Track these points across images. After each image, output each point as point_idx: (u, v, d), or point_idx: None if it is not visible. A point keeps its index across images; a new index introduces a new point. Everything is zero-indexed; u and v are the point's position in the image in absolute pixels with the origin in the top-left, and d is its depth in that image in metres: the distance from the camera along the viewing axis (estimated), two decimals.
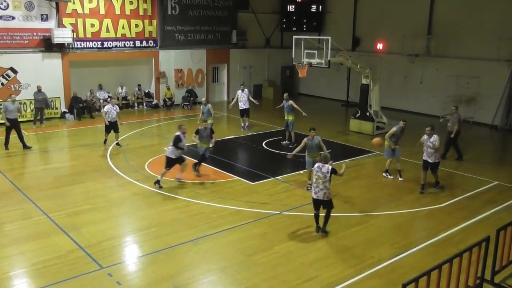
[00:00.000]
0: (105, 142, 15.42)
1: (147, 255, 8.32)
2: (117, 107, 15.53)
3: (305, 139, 11.49)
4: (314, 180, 8.90)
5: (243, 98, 17.74)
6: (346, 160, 13.94)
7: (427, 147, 11.39)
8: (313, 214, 9.20)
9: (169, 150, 11.69)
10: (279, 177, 12.57)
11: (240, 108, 17.85)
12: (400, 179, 12.56)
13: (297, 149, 11.66)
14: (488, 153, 16.08)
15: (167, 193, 11.24)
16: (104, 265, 7.83)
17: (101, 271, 7.66)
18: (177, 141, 11.45)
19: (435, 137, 11.22)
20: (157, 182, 11.58)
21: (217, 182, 12.16)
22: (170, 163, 11.58)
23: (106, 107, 15.33)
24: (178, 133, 11.68)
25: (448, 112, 20.18)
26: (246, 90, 18.19)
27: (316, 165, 8.93)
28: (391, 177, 12.71)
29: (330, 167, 8.75)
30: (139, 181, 12.09)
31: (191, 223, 9.61)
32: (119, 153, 14.66)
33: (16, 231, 9.15)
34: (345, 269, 7.83)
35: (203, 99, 15.58)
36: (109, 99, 21.58)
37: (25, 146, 15.04)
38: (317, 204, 9.00)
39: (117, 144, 15.37)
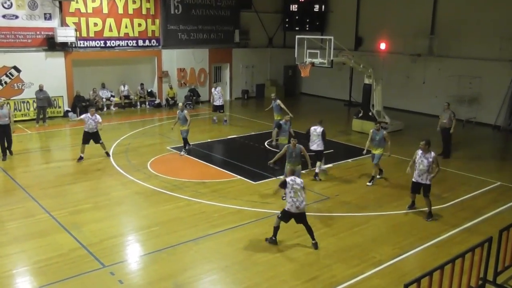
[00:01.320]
0: (79, 159, 13.63)
1: (149, 254, 8.33)
2: (98, 116, 13.76)
3: (286, 146, 10.89)
4: (292, 194, 8.33)
5: (215, 96, 18.96)
6: (330, 165, 13.96)
7: (419, 164, 9.69)
8: (309, 214, 9.02)
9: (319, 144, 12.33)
10: (281, 177, 12.51)
11: (214, 104, 19.12)
12: (368, 184, 12.08)
13: (277, 156, 11.12)
14: (490, 154, 16.03)
15: (168, 192, 11.25)
16: (106, 264, 7.85)
17: (103, 270, 7.68)
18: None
19: (432, 154, 9.62)
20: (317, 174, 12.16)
21: (219, 181, 12.16)
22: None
23: (83, 115, 13.96)
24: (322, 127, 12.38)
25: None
26: (218, 88, 19.32)
27: (289, 179, 8.47)
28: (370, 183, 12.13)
29: (302, 180, 8.64)
30: (141, 180, 12.10)
31: (192, 222, 9.62)
32: (121, 152, 14.67)
33: (18, 229, 9.18)
34: (346, 269, 7.82)
35: (180, 104, 15.35)
36: (112, 98, 21.71)
37: (9, 151, 13.89)
38: (294, 217, 8.50)
39: (107, 154, 14.07)
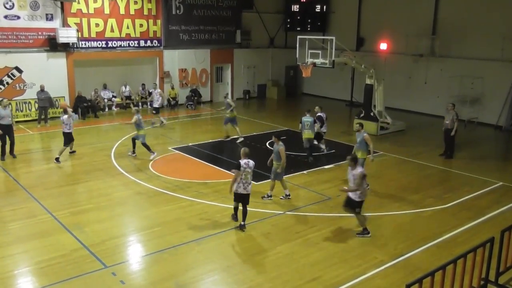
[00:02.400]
0: (57, 159, 13.64)
1: (151, 254, 8.33)
2: (75, 115, 14.50)
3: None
4: (243, 176, 9.02)
5: (154, 97, 19.22)
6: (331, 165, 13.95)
7: (349, 180, 9.16)
8: (311, 214, 9.25)
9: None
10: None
11: (153, 105, 19.43)
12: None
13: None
14: (492, 154, 16.01)
15: (170, 193, 11.26)
16: (107, 264, 7.85)
17: (104, 270, 7.68)
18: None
19: (358, 171, 8.82)
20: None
21: (220, 182, 12.16)
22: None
23: (63, 117, 13.90)
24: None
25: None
26: (157, 90, 19.59)
27: (243, 162, 9.05)
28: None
29: (253, 162, 9.23)
30: (142, 180, 12.11)
31: (194, 222, 9.62)
32: (123, 153, 14.68)
33: (20, 229, 9.19)
34: (348, 270, 7.81)
35: (134, 109, 15.15)
36: (113, 98, 21.73)
37: (11, 153, 13.99)
38: (241, 198, 9.21)
39: (72, 152, 14.37)
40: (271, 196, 10.97)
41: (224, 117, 16.84)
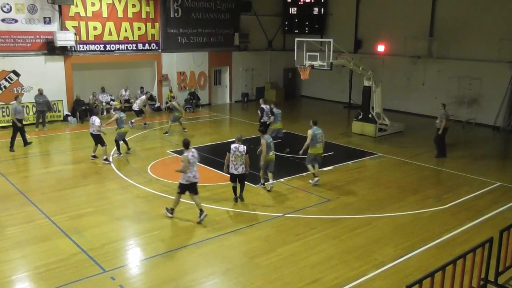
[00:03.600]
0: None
1: (150, 258, 8.31)
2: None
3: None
4: (233, 158, 10.46)
5: (137, 101, 19.49)
6: (330, 167, 13.95)
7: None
8: (310, 216, 9.34)
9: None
10: (281, 180, 12.55)
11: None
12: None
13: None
14: (491, 154, 16.02)
15: (169, 196, 11.21)
16: (106, 269, 7.82)
17: (103, 275, 7.65)
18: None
19: (184, 154, 9.52)
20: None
21: (219, 185, 12.14)
22: None
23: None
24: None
25: (450, 113, 20.19)
26: (142, 96, 19.77)
27: (234, 146, 10.47)
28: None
29: (245, 147, 10.46)
30: (141, 184, 12.09)
31: (193, 226, 9.59)
32: (122, 156, 14.65)
33: (19, 234, 9.15)
34: (348, 271, 7.80)
35: (115, 103, 15.98)
36: (111, 102, 21.71)
37: (25, 143, 15.56)
38: (235, 178, 10.70)
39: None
40: (263, 184, 11.83)
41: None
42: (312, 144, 11.92)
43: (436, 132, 14.87)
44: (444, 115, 14.65)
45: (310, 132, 11.92)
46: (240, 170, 10.51)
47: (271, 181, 11.65)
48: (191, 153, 9.56)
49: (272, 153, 11.57)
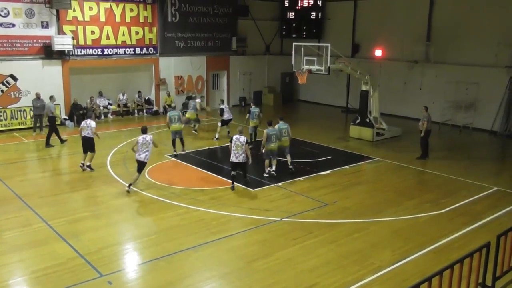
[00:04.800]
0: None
1: (147, 262, 8.29)
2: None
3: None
4: (234, 148, 11.71)
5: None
6: (328, 172, 13.94)
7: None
8: (308, 221, 9.43)
9: None
10: (279, 184, 12.56)
11: None
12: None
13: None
14: (487, 159, 16.07)
15: (167, 200, 11.22)
16: (103, 273, 7.80)
17: (100, 279, 7.63)
18: None
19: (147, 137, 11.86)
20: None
21: (217, 189, 12.14)
22: None
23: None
24: None
25: (446, 118, 20.36)
26: (194, 101, 18.94)
27: (235, 136, 11.82)
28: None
29: (245, 138, 11.82)
30: (138, 188, 12.07)
31: (191, 230, 9.58)
32: (119, 160, 14.64)
33: (16, 238, 9.12)
34: (346, 276, 7.80)
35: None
36: (109, 106, 21.71)
37: (60, 139, 16.72)
38: (236, 166, 11.89)
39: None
40: (267, 173, 13.08)
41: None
42: (267, 144, 12.91)
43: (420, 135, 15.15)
44: (426, 117, 14.91)
45: (264, 133, 12.90)
46: (241, 158, 11.74)
47: (272, 168, 13.08)
48: (142, 137, 11.69)
49: (273, 144, 12.83)
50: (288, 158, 13.41)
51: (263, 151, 13.07)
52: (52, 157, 15.66)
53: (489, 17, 19.15)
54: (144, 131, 12.01)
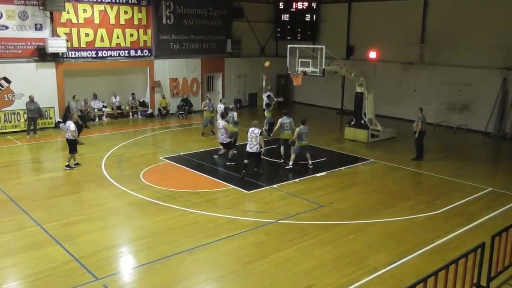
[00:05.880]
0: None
1: (143, 265, 8.25)
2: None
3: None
4: (249, 139, 12.98)
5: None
6: (323, 173, 13.97)
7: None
8: (303, 222, 9.51)
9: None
10: (274, 186, 12.56)
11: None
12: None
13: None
14: (481, 160, 16.15)
15: (162, 203, 11.18)
16: (99, 276, 7.75)
17: (96, 282, 7.58)
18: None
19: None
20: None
21: (212, 191, 12.13)
22: None
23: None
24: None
25: (441, 119, 20.45)
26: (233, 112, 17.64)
27: (250, 129, 13.05)
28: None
29: (259, 130, 13.07)
30: (134, 190, 12.02)
31: (186, 232, 9.56)
32: (114, 163, 14.59)
33: (9, 242, 9.05)
34: (342, 277, 7.80)
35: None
36: (104, 108, 21.64)
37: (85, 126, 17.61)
38: (250, 154, 13.08)
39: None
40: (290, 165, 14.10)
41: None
42: (299, 140, 13.91)
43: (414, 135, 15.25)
44: (421, 118, 14.99)
45: (296, 131, 13.92)
46: (255, 149, 12.98)
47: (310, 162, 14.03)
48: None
49: (286, 132, 14.26)
50: (293, 157, 14.04)
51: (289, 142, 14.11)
52: (47, 160, 15.58)
53: (482, 19, 19.27)
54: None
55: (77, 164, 14.06)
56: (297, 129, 13.81)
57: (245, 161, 13.10)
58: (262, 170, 13.90)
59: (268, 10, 27.10)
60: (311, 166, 14.02)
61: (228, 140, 14.53)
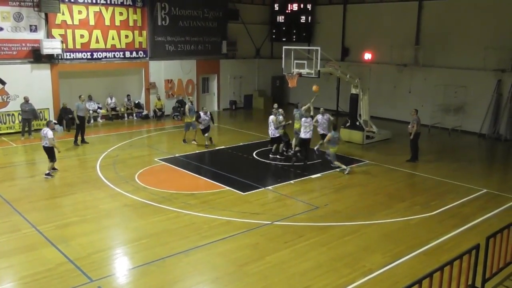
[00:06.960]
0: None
1: (138, 267, 8.23)
2: (60, 127, 17.11)
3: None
4: (303, 127, 14.24)
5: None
6: (319, 175, 14.00)
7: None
8: (299, 224, 9.56)
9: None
10: (270, 187, 12.57)
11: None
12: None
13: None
14: (476, 161, 16.23)
15: (157, 204, 11.16)
16: (93, 278, 7.72)
17: (90, 284, 7.55)
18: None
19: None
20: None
21: (208, 193, 12.11)
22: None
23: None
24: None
25: (436, 121, 20.54)
26: (279, 116, 16.92)
27: (303, 119, 14.36)
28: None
29: (311, 118, 14.67)
30: (129, 192, 11.99)
31: (182, 234, 9.54)
32: (109, 164, 14.54)
33: (4, 244, 9.00)
34: (337, 278, 7.81)
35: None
36: (99, 110, 21.58)
37: (83, 141, 17.07)
38: (304, 141, 14.45)
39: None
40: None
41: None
42: (333, 145, 14.40)
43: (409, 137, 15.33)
44: (416, 120, 15.05)
45: (328, 135, 14.44)
46: (308, 135, 14.27)
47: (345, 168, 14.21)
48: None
49: (337, 147, 14.58)
50: (338, 163, 14.37)
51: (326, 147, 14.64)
52: (42, 162, 15.48)
53: (477, 21, 19.40)
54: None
55: (54, 169, 13.60)
56: (329, 135, 14.27)
57: (297, 148, 14.49)
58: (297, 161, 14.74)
59: (263, 12, 27.14)
60: (347, 173, 13.91)
61: (277, 135, 15.17)
